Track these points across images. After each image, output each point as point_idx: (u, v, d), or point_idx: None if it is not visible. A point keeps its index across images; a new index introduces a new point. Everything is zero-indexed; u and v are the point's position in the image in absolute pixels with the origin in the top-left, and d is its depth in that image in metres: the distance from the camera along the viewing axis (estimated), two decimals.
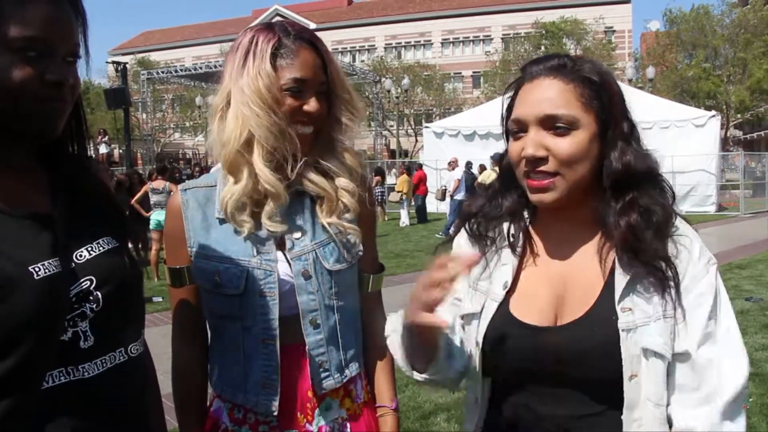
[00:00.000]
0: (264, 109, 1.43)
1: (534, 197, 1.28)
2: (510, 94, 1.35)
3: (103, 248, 1.21)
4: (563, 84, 1.25)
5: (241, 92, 1.46)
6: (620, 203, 1.25)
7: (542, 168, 1.24)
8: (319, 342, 1.53)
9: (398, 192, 19.17)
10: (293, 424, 1.52)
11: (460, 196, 15.98)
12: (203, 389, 1.65)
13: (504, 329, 1.31)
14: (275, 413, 1.50)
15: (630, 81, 28.34)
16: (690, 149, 18.75)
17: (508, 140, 1.35)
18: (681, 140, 18.74)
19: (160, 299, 8.09)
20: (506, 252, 1.37)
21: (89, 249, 1.18)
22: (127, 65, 23.98)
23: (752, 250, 11.73)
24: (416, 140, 43.88)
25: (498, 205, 1.40)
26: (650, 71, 29.30)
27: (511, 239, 1.37)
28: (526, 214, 1.39)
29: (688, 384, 1.22)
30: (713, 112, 20.37)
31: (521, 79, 1.32)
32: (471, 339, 1.36)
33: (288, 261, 1.52)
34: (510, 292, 1.34)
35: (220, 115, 1.51)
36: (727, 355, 1.22)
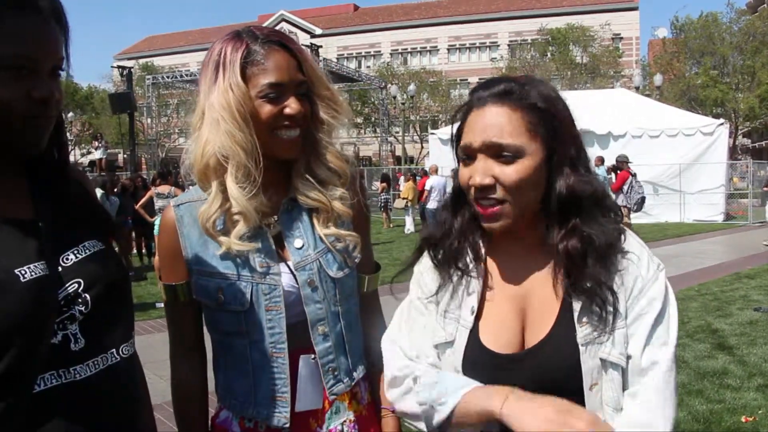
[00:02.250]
0: (235, 125, 1.40)
1: (484, 225, 1.30)
2: (459, 118, 1.36)
3: (90, 251, 1.22)
4: (510, 111, 1.25)
5: (211, 108, 1.42)
6: (563, 229, 1.27)
7: (491, 195, 1.26)
8: (329, 350, 1.54)
9: (403, 199, 19.18)
10: (305, 428, 1.54)
11: (432, 205, 15.98)
12: (204, 402, 1.63)
13: (477, 359, 1.31)
14: (287, 425, 1.50)
15: (637, 89, 28.35)
16: (698, 158, 18.72)
17: (459, 164, 1.36)
18: (689, 148, 18.72)
19: (162, 305, 8.06)
20: (470, 277, 1.36)
21: (75, 252, 1.19)
22: (132, 70, 24.09)
23: (761, 259, 11.66)
24: (422, 147, 43.96)
25: (456, 229, 1.39)
26: (658, 79, 29.29)
27: (472, 264, 1.37)
28: (483, 237, 1.38)
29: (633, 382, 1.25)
30: (721, 120, 20.33)
31: (470, 104, 1.32)
32: (449, 367, 1.35)
33: (292, 272, 1.51)
34: (478, 317, 1.34)
35: (197, 135, 1.47)
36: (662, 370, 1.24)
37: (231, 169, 1.42)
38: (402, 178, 21.77)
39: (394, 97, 35.58)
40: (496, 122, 1.25)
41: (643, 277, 1.26)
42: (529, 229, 1.32)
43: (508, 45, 52.48)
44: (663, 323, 1.25)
